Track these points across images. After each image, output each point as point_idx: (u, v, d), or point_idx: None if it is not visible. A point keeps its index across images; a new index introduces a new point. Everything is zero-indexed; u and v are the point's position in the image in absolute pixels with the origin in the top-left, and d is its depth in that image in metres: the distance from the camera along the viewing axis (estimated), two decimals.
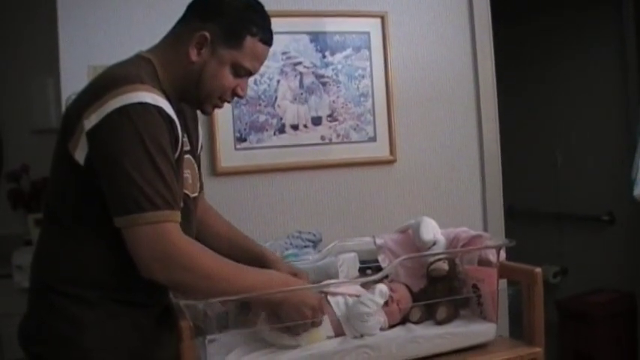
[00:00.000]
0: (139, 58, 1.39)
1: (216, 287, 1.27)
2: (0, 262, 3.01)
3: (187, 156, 1.44)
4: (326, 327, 1.42)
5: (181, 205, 1.35)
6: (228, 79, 1.40)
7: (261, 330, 1.40)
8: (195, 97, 1.42)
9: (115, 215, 1.24)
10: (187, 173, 1.44)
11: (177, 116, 1.34)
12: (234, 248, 1.60)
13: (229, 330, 1.46)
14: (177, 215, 1.27)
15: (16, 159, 3.37)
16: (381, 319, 1.44)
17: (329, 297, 1.46)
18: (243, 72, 1.42)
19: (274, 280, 1.37)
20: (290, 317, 1.35)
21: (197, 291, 1.28)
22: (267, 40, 1.43)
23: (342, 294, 1.47)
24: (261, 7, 1.44)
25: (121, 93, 1.23)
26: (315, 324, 1.39)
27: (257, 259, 1.58)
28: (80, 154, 1.27)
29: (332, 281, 1.58)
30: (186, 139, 1.43)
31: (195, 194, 1.52)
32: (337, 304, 1.44)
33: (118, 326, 1.33)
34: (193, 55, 1.37)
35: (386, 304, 1.45)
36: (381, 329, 1.45)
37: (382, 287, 1.44)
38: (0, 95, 3.44)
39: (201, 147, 1.66)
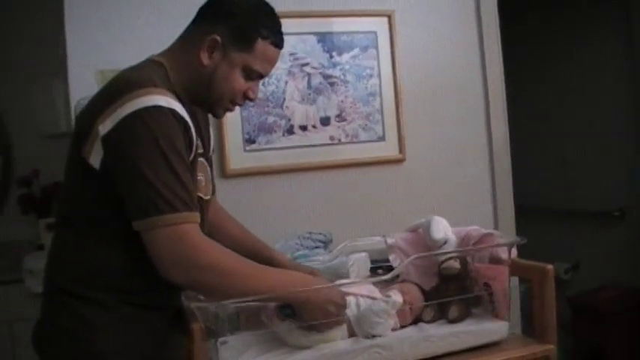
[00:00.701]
0: (150, 62, 1.39)
1: (236, 287, 1.27)
2: (11, 267, 3.02)
3: (200, 159, 1.44)
4: (341, 327, 1.41)
5: None
6: (240, 82, 1.41)
7: (277, 329, 1.40)
8: (207, 100, 1.42)
9: (134, 219, 1.24)
10: (200, 176, 1.44)
11: (190, 119, 1.34)
12: (246, 251, 1.60)
13: (241, 332, 1.46)
14: (195, 216, 1.27)
15: (27, 164, 3.38)
16: (391, 321, 1.44)
17: None
18: (254, 75, 1.42)
19: (295, 280, 1.38)
20: (314, 316, 1.35)
21: (218, 291, 1.28)
22: (278, 43, 1.43)
23: (355, 294, 1.47)
24: (272, 9, 1.44)
25: (134, 97, 1.24)
26: (339, 322, 1.39)
27: (266, 264, 1.57)
28: (95, 159, 1.27)
29: (345, 281, 1.58)
30: (199, 142, 1.43)
31: (208, 197, 1.52)
32: (349, 304, 1.44)
33: (132, 330, 1.33)
34: (205, 58, 1.37)
35: None
36: (393, 329, 1.45)
37: (397, 299, 1.43)
38: (10, 101, 3.46)
39: (213, 149, 1.66)
